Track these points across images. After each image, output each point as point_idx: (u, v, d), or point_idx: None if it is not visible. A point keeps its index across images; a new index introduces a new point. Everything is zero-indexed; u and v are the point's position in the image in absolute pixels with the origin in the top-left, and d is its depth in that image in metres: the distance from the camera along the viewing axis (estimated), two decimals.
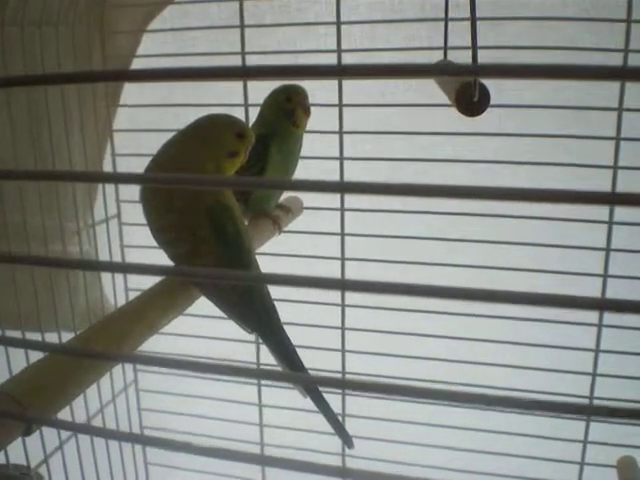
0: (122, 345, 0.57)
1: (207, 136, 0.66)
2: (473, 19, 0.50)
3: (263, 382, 1.02)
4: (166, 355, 1.02)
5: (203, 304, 0.68)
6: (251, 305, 0.65)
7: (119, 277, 0.99)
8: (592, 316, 0.88)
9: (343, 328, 0.97)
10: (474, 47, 0.51)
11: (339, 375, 0.99)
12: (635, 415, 0.25)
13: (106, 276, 0.96)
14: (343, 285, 0.35)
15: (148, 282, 0.67)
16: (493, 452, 0.93)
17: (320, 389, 0.66)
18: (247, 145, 0.67)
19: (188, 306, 0.66)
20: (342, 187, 0.31)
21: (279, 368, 0.69)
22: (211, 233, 0.64)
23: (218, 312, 0.68)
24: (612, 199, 0.26)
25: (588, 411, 0.26)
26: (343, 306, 0.96)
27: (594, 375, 0.89)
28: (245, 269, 0.65)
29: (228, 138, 0.66)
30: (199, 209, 0.64)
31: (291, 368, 0.66)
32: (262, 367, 1.01)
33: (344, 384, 0.31)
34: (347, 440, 0.68)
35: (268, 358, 0.74)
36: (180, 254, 0.65)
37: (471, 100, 0.51)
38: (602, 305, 0.27)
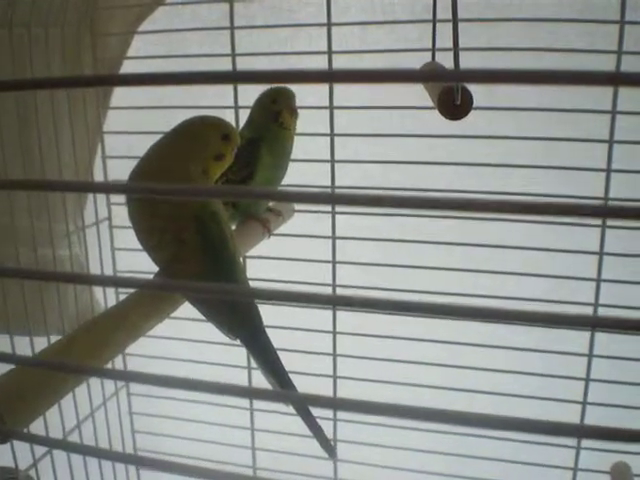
0: (104, 351, 0.57)
1: (193, 139, 0.65)
2: (455, 22, 0.49)
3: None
4: (155, 357, 1.01)
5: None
6: (233, 310, 0.64)
7: None
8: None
9: (335, 333, 0.97)
10: (456, 50, 0.51)
11: (331, 379, 0.98)
12: (624, 437, 0.24)
13: None
14: (334, 301, 0.35)
15: None
16: (484, 457, 0.92)
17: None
18: (233, 147, 0.67)
19: (173, 310, 0.65)
20: (332, 198, 0.31)
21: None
22: (196, 238, 0.63)
23: None
24: (605, 211, 0.25)
25: (578, 433, 0.25)
26: (334, 310, 0.96)
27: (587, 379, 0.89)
28: (230, 275, 0.65)
29: (214, 140, 0.65)
30: (184, 213, 0.63)
31: (274, 376, 0.64)
32: (252, 370, 1.00)
33: (335, 404, 0.31)
34: (329, 449, 0.67)
35: None
36: (165, 259, 0.65)
37: (453, 104, 0.51)
38: (594, 323, 0.26)
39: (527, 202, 0.24)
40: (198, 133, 0.66)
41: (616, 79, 0.23)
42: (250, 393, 0.32)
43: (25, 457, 0.85)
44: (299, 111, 0.82)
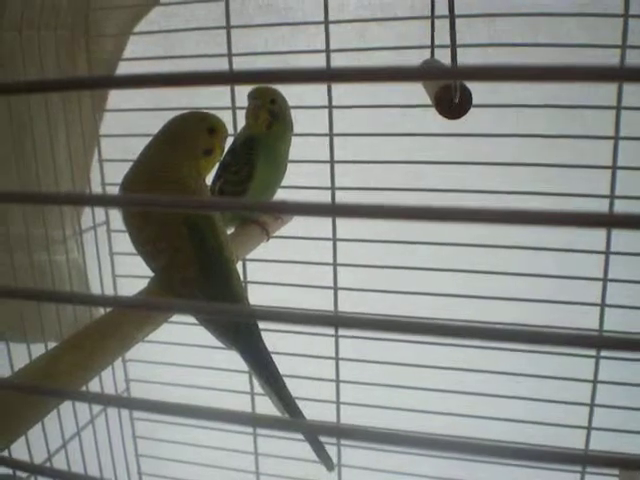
0: (93, 363, 0.55)
1: (180, 137, 0.63)
2: (452, 19, 0.48)
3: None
4: (156, 363, 0.99)
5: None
6: (230, 320, 0.62)
7: (108, 285, 0.97)
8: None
9: (337, 336, 0.95)
10: (453, 48, 0.49)
11: (333, 383, 0.97)
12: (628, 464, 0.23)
13: (94, 284, 0.94)
14: (337, 321, 0.33)
15: (138, 290, 0.65)
16: (489, 461, 0.90)
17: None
18: (220, 139, 0.65)
19: (167, 318, 0.64)
20: (333, 210, 0.29)
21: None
22: (189, 244, 0.62)
23: None
24: (611, 221, 0.24)
25: (582, 460, 0.24)
26: (336, 306, 0.94)
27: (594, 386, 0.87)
28: (225, 281, 0.63)
29: (202, 136, 0.64)
30: (177, 219, 0.62)
31: (271, 387, 0.63)
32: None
33: (340, 432, 0.29)
34: (327, 462, 0.65)
35: None
36: (159, 265, 0.63)
37: (451, 102, 0.49)
38: (599, 343, 0.25)
39: (532, 212, 0.23)
40: (184, 131, 0.64)
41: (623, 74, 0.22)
42: (253, 421, 0.31)
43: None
44: (298, 112, 0.81)
